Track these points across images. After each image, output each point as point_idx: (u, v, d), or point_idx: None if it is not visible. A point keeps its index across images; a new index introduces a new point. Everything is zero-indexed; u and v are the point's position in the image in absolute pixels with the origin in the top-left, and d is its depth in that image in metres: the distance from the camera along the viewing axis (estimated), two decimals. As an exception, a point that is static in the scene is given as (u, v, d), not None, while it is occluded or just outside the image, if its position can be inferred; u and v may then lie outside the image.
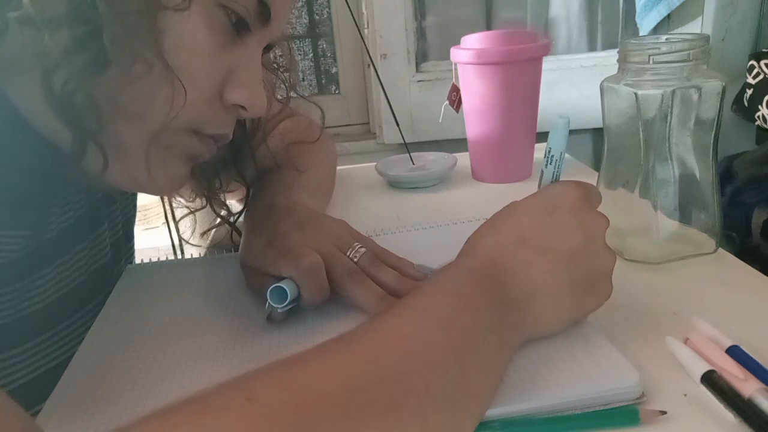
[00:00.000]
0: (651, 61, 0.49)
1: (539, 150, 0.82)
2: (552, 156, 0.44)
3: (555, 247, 0.39)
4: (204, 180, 0.62)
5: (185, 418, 0.26)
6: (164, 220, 0.67)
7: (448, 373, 0.32)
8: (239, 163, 0.62)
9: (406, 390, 0.30)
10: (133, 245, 0.70)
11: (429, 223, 0.65)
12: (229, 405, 0.26)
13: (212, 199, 0.64)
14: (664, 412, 0.34)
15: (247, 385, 0.28)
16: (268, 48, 0.51)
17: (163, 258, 0.65)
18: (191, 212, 0.66)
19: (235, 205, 0.69)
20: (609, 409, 0.35)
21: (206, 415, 0.26)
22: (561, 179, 0.45)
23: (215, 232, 0.67)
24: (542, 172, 0.45)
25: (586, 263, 0.40)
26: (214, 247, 0.66)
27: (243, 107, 0.47)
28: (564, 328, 0.41)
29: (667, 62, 0.49)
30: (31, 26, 0.37)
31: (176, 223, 0.67)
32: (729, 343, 0.39)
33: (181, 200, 0.66)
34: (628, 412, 0.34)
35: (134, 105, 0.42)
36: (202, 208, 0.65)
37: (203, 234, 0.67)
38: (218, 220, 0.65)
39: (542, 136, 0.88)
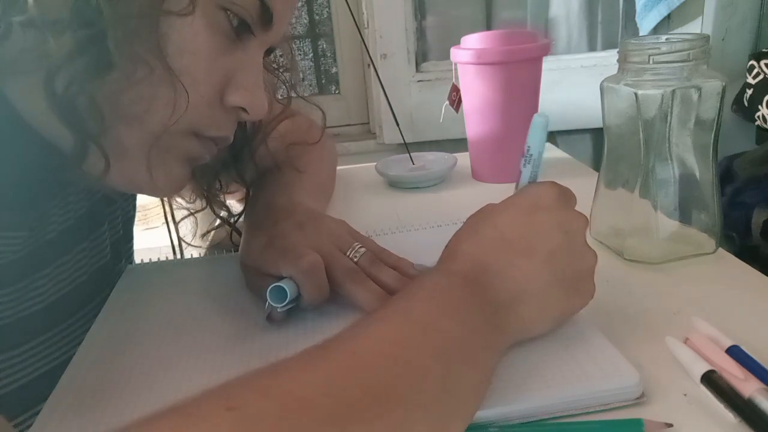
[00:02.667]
0: (651, 61, 0.49)
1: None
2: (531, 155, 0.44)
3: (537, 248, 0.39)
4: (204, 181, 0.62)
5: (164, 429, 0.26)
6: (164, 221, 0.67)
7: (434, 377, 0.32)
8: (239, 164, 0.62)
9: (391, 396, 0.30)
10: (132, 245, 0.70)
11: (429, 223, 0.65)
12: (209, 414, 0.26)
13: (212, 200, 0.64)
14: (670, 425, 0.33)
15: (228, 393, 0.27)
16: (269, 51, 0.51)
17: (162, 258, 0.65)
18: (191, 213, 0.66)
19: (235, 205, 0.69)
20: (613, 420, 0.35)
21: (186, 426, 0.25)
22: (539, 179, 0.44)
23: (215, 232, 0.67)
24: (520, 172, 0.44)
25: (569, 262, 0.40)
26: (214, 248, 0.66)
27: (244, 110, 0.47)
28: (551, 329, 0.40)
29: (667, 62, 0.49)
30: (34, 29, 0.37)
31: (176, 224, 0.67)
32: (729, 343, 0.39)
33: (181, 201, 0.66)
34: (633, 424, 0.34)
35: (136, 108, 0.42)
36: (203, 209, 0.65)
37: (203, 235, 0.67)
38: (218, 221, 0.65)
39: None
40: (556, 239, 0.40)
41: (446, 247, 0.42)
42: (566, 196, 0.42)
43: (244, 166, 0.62)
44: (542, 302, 0.39)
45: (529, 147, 0.43)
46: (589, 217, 0.45)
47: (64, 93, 0.39)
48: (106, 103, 0.40)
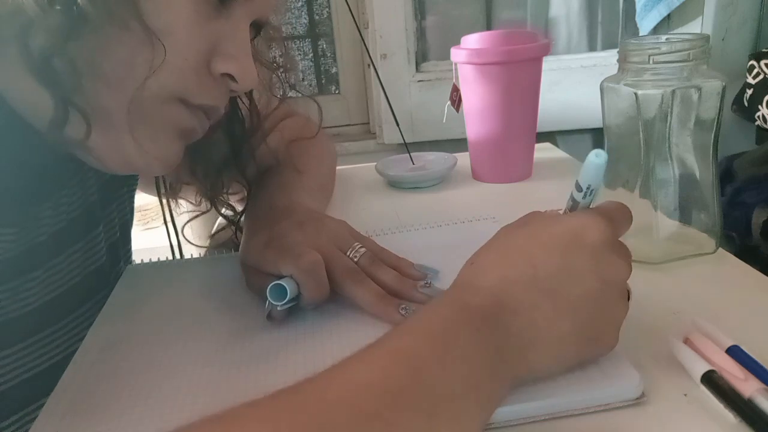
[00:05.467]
0: (651, 61, 0.49)
1: (539, 150, 0.82)
2: (589, 189, 0.39)
3: (566, 291, 0.36)
4: (207, 181, 0.62)
5: None
6: (164, 221, 0.67)
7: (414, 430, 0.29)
8: (240, 163, 0.62)
9: None
10: (131, 248, 0.69)
11: (429, 223, 0.65)
12: None
13: (216, 201, 0.64)
14: None
15: None
16: (258, 28, 0.51)
17: (162, 258, 0.65)
18: (195, 217, 0.66)
19: (235, 205, 0.69)
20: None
21: None
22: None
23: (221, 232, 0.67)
24: (573, 197, 0.39)
25: (596, 312, 0.36)
26: (218, 247, 0.66)
27: (232, 78, 0.47)
28: (559, 375, 0.37)
29: (667, 62, 0.49)
30: None
31: (174, 224, 0.67)
32: (729, 343, 0.39)
33: (184, 203, 0.66)
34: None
35: (114, 67, 0.41)
36: (207, 211, 0.65)
37: (212, 236, 0.67)
38: (223, 221, 0.65)
39: (542, 136, 0.88)
40: (589, 286, 0.36)
41: (470, 264, 0.39)
42: (615, 232, 0.38)
43: (245, 164, 0.62)
44: (556, 351, 0.36)
45: (585, 184, 0.38)
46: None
47: (40, 53, 0.39)
48: (83, 62, 0.40)
